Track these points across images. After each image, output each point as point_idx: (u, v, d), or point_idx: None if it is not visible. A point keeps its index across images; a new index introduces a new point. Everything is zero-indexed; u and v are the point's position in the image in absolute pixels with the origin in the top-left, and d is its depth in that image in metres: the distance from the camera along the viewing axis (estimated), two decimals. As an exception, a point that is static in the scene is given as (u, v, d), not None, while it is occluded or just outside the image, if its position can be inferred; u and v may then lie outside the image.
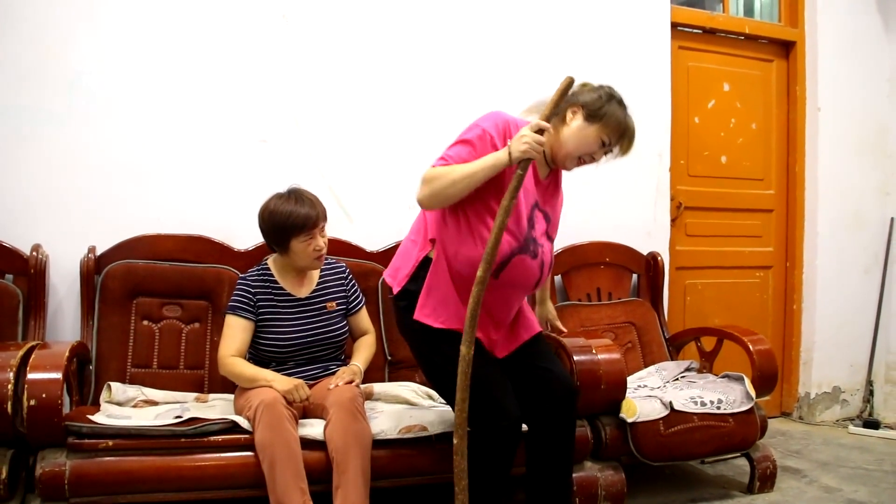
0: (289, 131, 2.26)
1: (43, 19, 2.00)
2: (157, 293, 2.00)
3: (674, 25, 2.80)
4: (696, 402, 1.98)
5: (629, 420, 1.88)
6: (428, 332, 1.53)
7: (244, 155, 2.21)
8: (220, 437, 1.59)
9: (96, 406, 1.79)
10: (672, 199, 2.81)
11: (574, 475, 1.77)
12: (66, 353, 1.58)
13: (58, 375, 1.50)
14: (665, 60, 2.76)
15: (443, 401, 1.96)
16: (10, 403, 1.45)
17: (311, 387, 1.74)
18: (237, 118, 2.21)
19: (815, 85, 3.00)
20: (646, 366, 2.41)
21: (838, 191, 3.03)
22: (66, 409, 1.60)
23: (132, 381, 1.91)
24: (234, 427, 1.61)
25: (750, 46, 3.01)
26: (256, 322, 1.79)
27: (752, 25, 3.00)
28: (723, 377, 2.20)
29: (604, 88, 1.56)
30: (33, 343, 1.65)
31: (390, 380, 2.11)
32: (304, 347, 1.81)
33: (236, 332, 1.76)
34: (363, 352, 1.90)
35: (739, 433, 2.00)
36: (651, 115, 2.74)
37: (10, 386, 1.46)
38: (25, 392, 1.46)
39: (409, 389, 1.98)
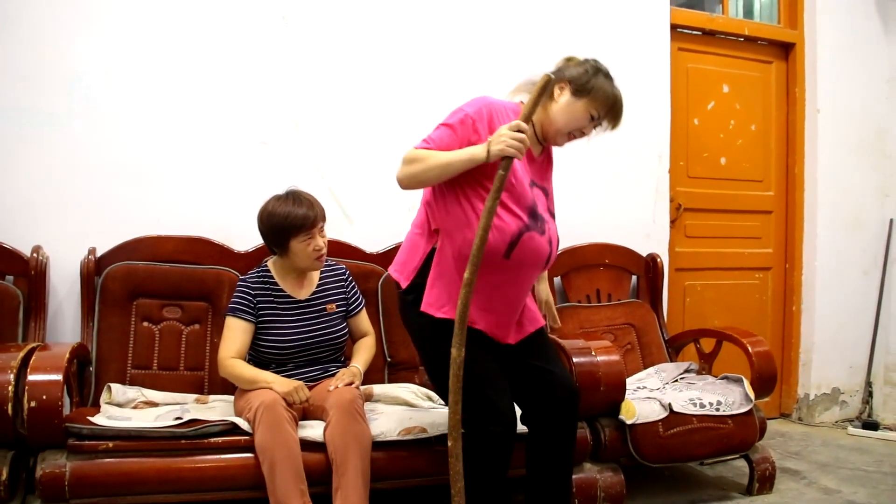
0: (288, 133, 2.27)
1: (43, 21, 2.01)
2: (158, 294, 2.00)
3: (673, 27, 2.81)
4: (695, 404, 1.98)
5: (628, 422, 1.88)
6: (433, 326, 1.49)
7: (244, 156, 2.21)
8: (220, 439, 1.60)
9: (96, 407, 1.79)
10: (671, 201, 2.82)
11: (573, 477, 1.77)
12: (67, 355, 1.58)
13: (58, 377, 1.50)
14: (664, 62, 2.77)
15: (442, 402, 1.97)
16: (10, 405, 1.45)
17: (310, 388, 1.74)
18: (237, 120, 2.21)
19: (815, 86, 3.01)
20: (645, 367, 2.41)
21: (838, 192, 3.04)
22: (66, 411, 1.60)
23: (132, 383, 1.91)
24: (234, 429, 1.62)
25: (749, 48, 3.02)
26: (256, 324, 1.79)
27: (751, 27, 3.00)
28: (722, 379, 2.20)
29: (589, 62, 1.55)
30: (34, 344, 1.66)
31: (390, 381, 2.11)
32: (304, 349, 1.81)
33: (236, 333, 1.77)
34: (363, 353, 1.90)
35: (738, 435, 2.01)
36: (651, 116, 2.75)
37: (10, 387, 1.46)
38: (26, 394, 1.46)
39: (409, 391, 1.98)
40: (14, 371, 1.49)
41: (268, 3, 2.24)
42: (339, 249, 2.17)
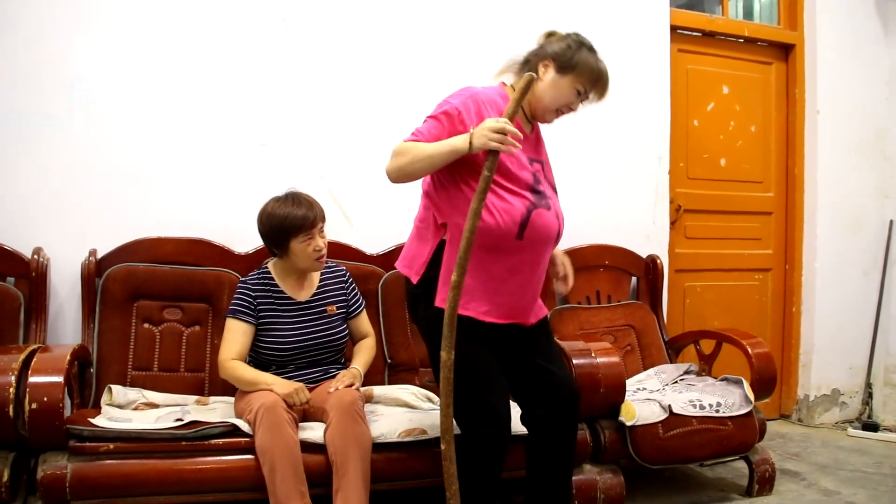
0: (288, 135, 2.27)
1: (43, 23, 2.01)
2: (158, 296, 2.01)
3: (673, 28, 2.81)
4: (695, 406, 1.99)
5: (628, 423, 1.89)
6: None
7: (244, 158, 2.22)
8: (220, 441, 1.60)
9: (97, 408, 1.79)
10: (671, 202, 2.82)
11: (573, 478, 1.77)
12: (68, 357, 1.58)
13: (59, 379, 1.50)
14: (664, 63, 2.77)
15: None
16: (11, 407, 1.45)
17: (311, 390, 1.74)
18: (237, 121, 2.21)
19: (815, 87, 3.01)
20: (645, 368, 2.42)
21: (837, 193, 3.04)
22: (67, 412, 1.60)
23: (133, 384, 1.91)
24: (234, 430, 1.62)
25: (749, 49, 3.02)
26: (257, 325, 1.80)
27: (751, 28, 3.01)
28: (722, 380, 2.21)
29: (571, 37, 1.55)
30: (34, 346, 1.66)
31: (390, 383, 2.11)
32: (304, 351, 1.81)
33: (237, 335, 1.77)
34: (363, 355, 1.90)
35: (738, 436, 2.01)
36: (650, 117, 2.75)
37: (11, 389, 1.46)
38: (27, 395, 1.46)
39: (409, 392, 1.99)
40: (15, 373, 1.49)
41: (268, 4, 2.24)
42: (340, 251, 2.17)
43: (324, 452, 1.60)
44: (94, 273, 1.97)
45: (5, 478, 1.47)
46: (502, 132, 1.35)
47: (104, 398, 1.82)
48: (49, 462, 1.50)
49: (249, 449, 1.58)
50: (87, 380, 1.89)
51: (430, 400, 1.99)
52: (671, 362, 2.46)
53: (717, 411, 2.00)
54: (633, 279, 2.64)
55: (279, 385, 1.69)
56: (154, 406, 1.84)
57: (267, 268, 1.88)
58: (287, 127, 2.27)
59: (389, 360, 2.15)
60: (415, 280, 1.54)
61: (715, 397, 2.04)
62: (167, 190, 2.14)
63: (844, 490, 2.19)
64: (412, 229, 1.62)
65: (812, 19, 3.01)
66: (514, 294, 1.53)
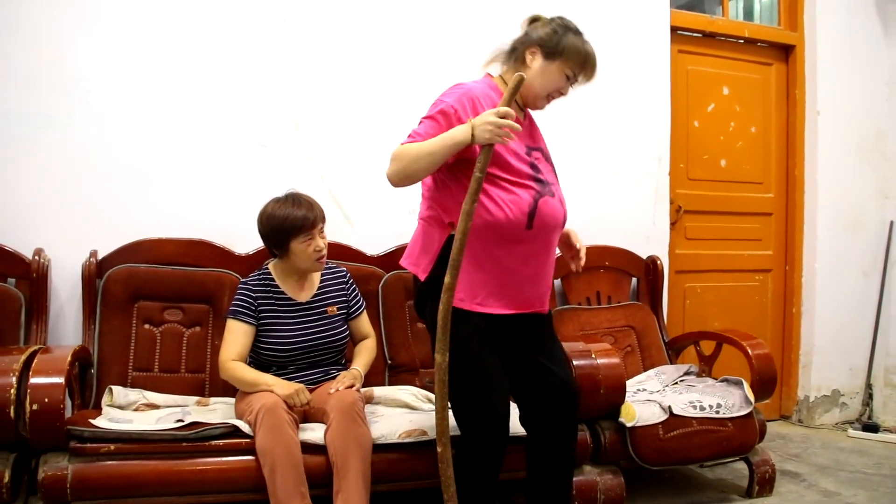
0: (289, 135, 2.27)
1: (43, 25, 2.01)
2: (159, 297, 2.01)
3: (673, 29, 2.81)
4: (695, 407, 1.99)
5: (628, 424, 1.89)
6: (457, 317, 1.43)
7: (244, 159, 2.22)
8: (221, 442, 1.60)
9: (98, 409, 1.79)
10: (671, 203, 2.82)
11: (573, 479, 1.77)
12: (69, 358, 1.59)
13: (60, 380, 1.51)
14: (664, 64, 2.77)
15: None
16: (12, 408, 1.46)
17: (311, 391, 1.74)
18: (237, 122, 2.22)
19: (815, 88, 3.01)
20: (645, 369, 2.42)
21: (837, 194, 3.04)
22: (68, 413, 1.61)
23: (133, 385, 1.91)
24: (235, 431, 1.62)
25: (749, 50, 3.02)
26: (257, 326, 1.80)
27: (751, 29, 3.01)
28: (722, 381, 2.21)
29: (555, 21, 1.54)
30: (35, 347, 1.67)
31: (390, 383, 2.11)
32: (304, 352, 1.81)
33: (237, 336, 1.77)
34: (364, 356, 1.90)
35: (738, 437, 2.01)
36: (650, 118, 2.76)
37: (12, 390, 1.47)
38: (28, 396, 1.47)
39: (409, 393, 1.99)
40: (16, 374, 1.49)
41: (268, 5, 2.25)
42: (340, 252, 2.17)
43: (324, 453, 1.60)
44: (95, 274, 1.97)
45: (6, 478, 1.47)
46: (504, 116, 1.35)
47: (105, 399, 1.82)
48: (50, 463, 1.50)
49: (250, 450, 1.59)
50: (87, 380, 1.89)
51: (430, 401, 1.99)
52: (671, 363, 2.47)
53: (718, 412, 2.00)
54: (634, 280, 2.64)
55: (280, 386, 1.69)
56: (155, 407, 1.85)
57: (267, 269, 1.88)
58: (287, 128, 2.27)
59: (390, 361, 2.15)
60: (423, 277, 1.54)
61: (715, 398, 2.04)
62: (168, 191, 2.14)
63: (845, 491, 2.19)
64: (417, 227, 1.62)
65: (812, 20, 3.01)
66: (530, 282, 1.53)
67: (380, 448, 1.65)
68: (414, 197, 2.32)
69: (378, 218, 2.35)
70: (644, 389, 2.22)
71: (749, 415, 2.04)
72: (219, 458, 1.59)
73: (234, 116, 2.21)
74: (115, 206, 2.08)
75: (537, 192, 1.49)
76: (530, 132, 1.61)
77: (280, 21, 2.26)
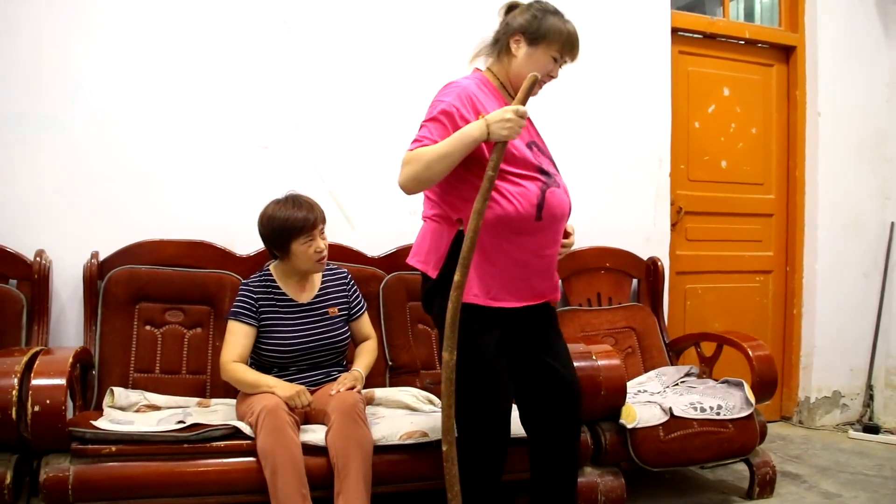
0: (290, 137, 2.27)
1: (45, 26, 2.01)
2: (160, 298, 2.01)
3: (674, 30, 2.81)
4: (695, 408, 1.99)
5: (629, 426, 1.89)
6: (470, 314, 1.42)
7: (245, 161, 2.22)
8: (222, 443, 1.60)
9: (99, 411, 1.80)
10: (672, 204, 2.82)
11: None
12: (70, 359, 1.59)
13: (62, 381, 1.51)
14: (665, 65, 2.77)
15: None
16: (14, 409, 1.46)
17: (312, 392, 1.75)
18: (238, 124, 2.22)
19: (815, 89, 3.01)
20: (646, 371, 2.42)
21: (838, 195, 3.04)
22: (69, 414, 1.61)
23: (135, 386, 1.92)
24: (236, 433, 1.62)
25: (750, 51, 3.02)
26: (258, 328, 1.80)
27: (752, 30, 3.01)
28: (722, 382, 2.21)
29: (534, 6, 1.54)
30: (37, 349, 1.67)
31: (391, 385, 2.12)
32: (306, 353, 1.82)
33: (238, 337, 1.77)
34: (364, 357, 1.91)
35: (739, 439, 2.01)
36: (651, 119, 2.76)
37: (14, 392, 1.47)
38: (30, 398, 1.47)
39: (410, 394, 1.99)
40: (18, 375, 1.49)
41: (269, 7, 2.25)
42: (341, 253, 2.17)
43: (325, 455, 1.60)
44: (96, 275, 1.97)
45: (8, 480, 1.47)
46: (521, 123, 1.36)
47: (106, 400, 1.82)
48: (52, 464, 1.50)
49: (251, 451, 1.59)
50: (89, 382, 1.90)
51: (431, 402, 1.99)
52: (672, 364, 2.47)
53: (718, 414, 2.00)
54: (634, 281, 2.64)
55: (281, 387, 1.70)
56: (156, 408, 1.85)
57: (268, 270, 1.88)
58: (288, 129, 2.27)
59: (391, 363, 2.15)
60: (433, 274, 1.52)
61: (716, 400, 2.04)
62: (169, 192, 2.14)
63: (845, 493, 2.19)
64: (423, 225, 1.60)
65: (813, 21, 3.01)
66: (540, 274, 1.54)
67: (381, 449, 1.66)
68: (414, 198, 2.33)
69: (379, 219, 2.35)
70: (645, 391, 2.22)
71: (750, 416, 2.04)
72: (220, 460, 1.59)
73: (235, 118, 2.21)
74: (116, 207, 2.08)
75: (544, 184, 1.49)
76: (528, 123, 1.61)
77: (281, 23, 2.26)
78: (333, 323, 1.87)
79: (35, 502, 1.53)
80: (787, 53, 3.08)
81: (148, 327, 1.99)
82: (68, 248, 2.00)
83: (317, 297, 1.88)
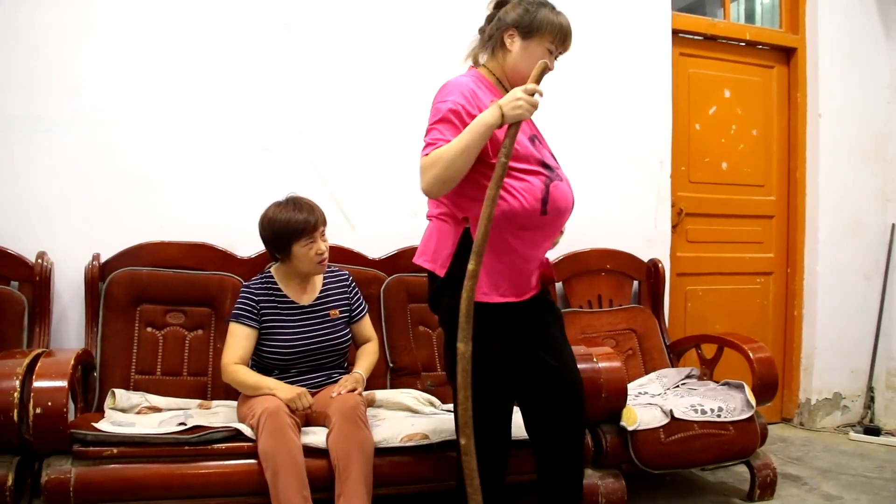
0: (291, 139, 2.28)
1: (48, 29, 2.02)
2: (161, 300, 2.02)
3: (675, 32, 2.81)
4: (696, 410, 1.99)
5: (630, 428, 1.89)
6: (482, 312, 1.41)
7: (247, 163, 2.23)
8: (223, 445, 1.61)
9: (100, 412, 1.80)
10: (673, 206, 2.82)
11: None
12: (72, 362, 1.59)
13: (63, 383, 1.51)
14: (666, 67, 2.78)
15: (444, 408, 1.98)
16: (16, 411, 1.47)
17: (313, 395, 1.75)
18: (240, 126, 2.22)
19: (816, 91, 3.01)
20: (646, 373, 2.42)
21: (839, 197, 3.04)
22: (70, 416, 1.61)
23: (136, 388, 1.92)
24: (237, 435, 1.63)
25: (751, 53, 3.02)
26: (260, 330, 1.80)
27: (752, 32, 3.01)
28: (723, 385, 2.21)
29: (525, 0, 1.54)
30: (39, 351, 1.67)
31: (392, 387, 2.12)
32: (307, 355, 1.82)
33: (239, 339, 1.78)
34: (366, 359, 1.91)
35: (740, 441, 2.01)
36: (652, 121, 2.76)
37: (16, 394, 1.47)
38: (31, 400, 1.47)
39: (411, 396, 1.99)
40: (20, 377, 1.50)
41: (271, 10, 2.25)
42: (342, 255, 2.17)
43: (326, 457, 1.61)
44: (98, 277, 1.98)
45: (9, 482, 1.47)
46: (534, 93, 1.35)
47: (107, 402, 1.83)
48: (53, 466, 1.50)
49: (252, 453, 1.59)
50: (90, 383, 1.90)
51: (432, 404, 1.99)
52: (673, 366, 2.47)
53: (719, 416, 2.00)
54: (635, 283, 2.64)
55: (282, 390, 1.70)
56: (157, 410, 1.85)
57: (270, 272, 1.88)
58: (289, 131, 2.28)
59: (391, 364, 2.15)
60: (441, 273, 1.51)
61: (716, 402, 2.04)
62: (170, 194, 2.14)
63: (846, 495, 2.19)
64: (430, 224, 1.60)
65: (814, 23, 3.01)
66: (538, 265, 1.55)
67: (382, 452, 1.66)
68: (415, 200, 2.34)
69: (380, 221, 2.35)
70: (645, 393, 2.22)
71: (750, 419, 2.04)
72: (221, 462, 1.59)
73: (237, 120, 2.22)
74: (117, 209, 2.08)
75: (548, 178, 1.49)
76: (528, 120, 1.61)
77: (282, 25, 2.27)
78: (334, 325, 1.87)
79: (37, 504, 1.54)
80: (787, 55, 3.08)
81: (149, 329, 2.00)
82: (70, 250, 2.01)
83: (318, 299, 1.88)
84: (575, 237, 2.46)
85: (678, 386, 2.28)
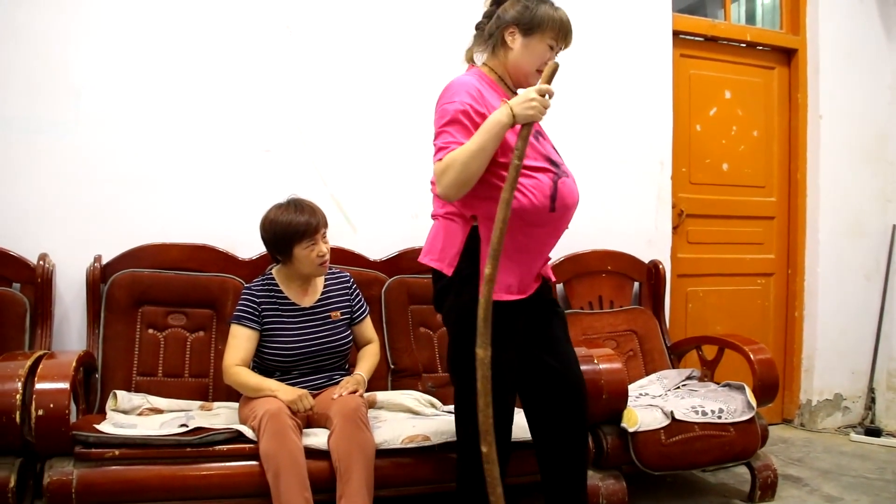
0: (292, 141, 2.28)
1: (48, 31, 2.02)
2: (163, 302, 2.02)
3: (675, 33, 2.81)
4: (697, 412, 1.99)
5: (630, 429, 1.89)
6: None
7: (248, 164, 2.23)
8: (224, 447, 1.61)
9: (102, 414, 1.80)
10: (674, 207, 2.82)
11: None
12: (74, 363, 1.60)
13: (65, 385, 1.52)
14: (667, 68, 2.78)
15: (445, 409, 1.98)
16: (18, 413, 1.47)
17: (315, 396, 1.75)
18: (241, 128, 2.22)
19: (817, 92, 3.01)
20: (647, 374, 2.42)
21: (839, 198, 3.04)
22: (72, 418, 1.61)
23: (137, 390, 1.92)
24: (238, 436, 1.63)
25: (751, 54, 3.02)
26: (261, 331, 1.81)
27: (753, 33, 3.01)
28: (724, 386, 2.21)
29: None
30: (41, 353, 1.67)
31: (393, 388, 2.12)
32: (308, 357, 1.82)
33: (241, 341, 1.78)
34: (367, 361, 1.91)
35: (740, 443, 2.01)
36: (653, 122, 2.76)
37: (18, 396, 1.48)
38: (33, 402, 1.48)
39: (412, 398, 1.99)
40: (22, 379, 1.50)
41: (272, 12, 2.26)
42: (343, 257, 2.18)
43: (328, 459, 1.61)
44: (99, 279, 1.98)
45: (12, 483, 1.48)
46: (544, 99, 1.36)
47: (109, 403, 1.83)
48: (55, 468, 1.51)
49: (254, 455, 1.59)
50: (92, 385, 1.90)
51: (433, 406, 2.00)
52: (673, 368, 2.47)
53: (720, 417, 2.00)
54: (636, 284, 2.65)
55: (283, 391, 1.70)
56: (158, 411, 1.85)
57: (271, 274, 1.89)
58: (290, 133, 2.28)
59: (393, 366, 2.16)
60: (449, 272, 1.50)
61: (717, 403, 2.04)
62: (172, 196, 2.15)
63: (847, 496, 2.19)
64: (436, 223, 1.59)
65: (815, 24, 3.01)
66: (544, 260, 1.56)
67: (383, 453, 1.66)
68: (416, 201, 2.35)
69: (381, 223, 2.35)
70: (646, 394, 2.22)
71: (751, 420, 2.04)
72: (222, 464, 1.60)
73: (238, 122, 2.22)
74: (119, 211, 2.09)
75: (555, 175, 1.50)
76: None
77: (283, 27, 2.27)
78: (336, 327, 1.87)
79: (39, 506, 1.54)
80: (788, 56, 3.08)
81: (151, 331, 2.00)
82: (71, 252, 2.01)
83: (319, 300, 1.88)
84: (575, 238, 2.46)
85: (679, 387, 2.29)
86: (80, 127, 2.06)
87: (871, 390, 3.09)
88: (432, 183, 1.57)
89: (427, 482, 1.72)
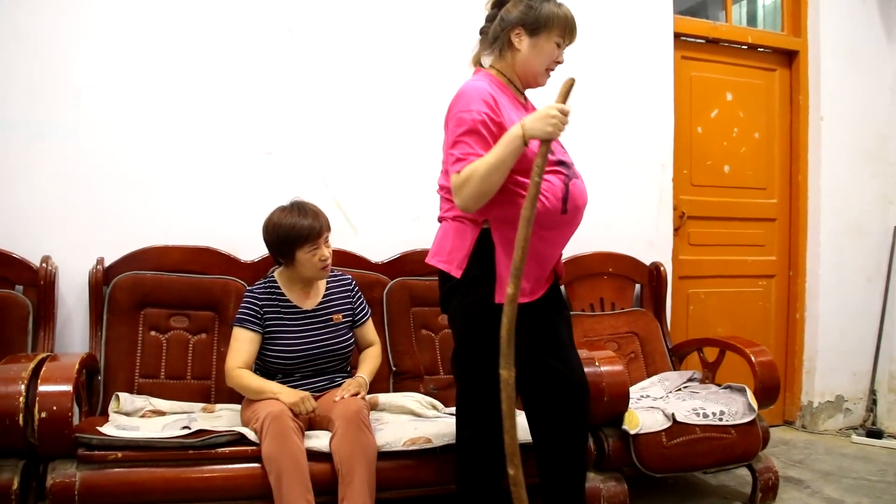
0: (294, 143, 2.28)
1: (50, 33, 2.03)
2: (165, 304, 2.02)
3: (676, 35, 2.81)
4: (698, 414, 1.99)
5: (632, 432, 1.89)
6: (496, 314, 1.38)
7: (250, 167, 2.23)
8: (227, 449, 1.61)
9: (105, 416, 1.81)
10: (675, 209, 2.83)
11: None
12: (76, 366, 1.60)
13: (68, 388, 1.52)
14: (668, 70, 2.78)
15: (447, 411, 1.99)
16: (21, 415, 1.47)
17: (317, 399, 1.75)
18: (243, 130, 2.23)
19: (818, 94, 3.01)
20: (648, 376, 2.42)
21: (841, 199, 3.04)
22: (75, 420, 1.62)
23: (140, 392, 1.93)
24: (241, 439, 1.63)
25: (753, 56, 3.03)
26: (263, 334, 1.81)
27: (754, 35, 3.01)
28: (725, 388, 2.21)
29: None
30: (44, 355, 1.68)
31: (395, 390, 2.12)
32: (310, 359, 1.83)
33: (243, 344, 1.78)
34: (369, 363, 1.91)
35: (741, 445, 2.01)
36: (654, 125, 2.76)
37: (21, 398, 1.48)
38: (37, 404, 1.48)
39: (414, 400, 2.00)
40: (25, 382, 1.50)
41: (273, 15, 2.26)
42: (345, 259, 2.18)
43: (330, 461, 1.61)
44: (102, 281, 1.98)
45: (15, 485, 1.48)
46: (562, 117, 1.36)
47: (112, 405, 1.83)
48: (58, 470, 1.51)
49: (256, 457, 1.60)
50: (94, 387, 1.91)
51: (435, 408, 2.00)
52: (675, 370, 2.47)
53: (721, 420, 2.00)
54: (637, 286, 2.65)
55: (285, 394, 1.70)
56: (161, 413, 1.86)
57: (273, 276, 1.89)
58: (292, 136, 2.28)
59: (394, 368, 2.16)
60: (458, 274, 1.49)
61: (718, 405, 2.04)
62: (174, 198, 2.15)
63: (848, 498, 2.19)
64: (444, 224, 1.58)
65: (816, 26, 3.01)
66: (550, 264, 1.56)
67: (385, 455, 1.66)
68: (417, 204, 2.35)
69: (382, 225, 2.36)
70: (647, 396, 2.23)
71: (752, 422, 2.04)
72: (225, 466, 1.60)
73: (240, 124, 2.22)
74: (121, 213, 2.09)
75: (566, 177, 1.50)
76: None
77: (285, 30, 2.28)
78: (337, 329, 1.87)
79: (41, 508, 1.55)
80: (789, 58, 3.08)
81: (153, 333, 2.01)
82: (74, 254, 2.01)
83: (321, 303, 1.89)
84: (577, 240, 2.43)
85: (680, 389, 2.29)
86: (82, 129, 2.06)
87: (873, 392, 3.09)
88: (440, 186, 1.58)
89: (429, 484, 1.72)
